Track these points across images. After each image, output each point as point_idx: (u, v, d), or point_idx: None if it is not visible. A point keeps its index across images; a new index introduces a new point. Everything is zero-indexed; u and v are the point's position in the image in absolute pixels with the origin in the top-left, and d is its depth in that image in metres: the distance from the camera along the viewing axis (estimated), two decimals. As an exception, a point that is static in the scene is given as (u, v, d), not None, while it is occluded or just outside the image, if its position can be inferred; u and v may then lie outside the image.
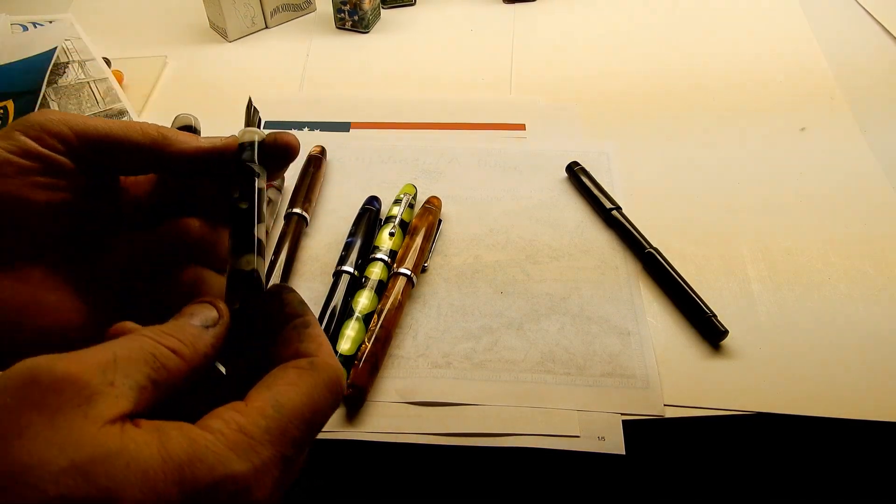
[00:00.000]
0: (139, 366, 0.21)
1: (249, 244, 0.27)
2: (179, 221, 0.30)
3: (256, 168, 0.29)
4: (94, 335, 0.24)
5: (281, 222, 0.49)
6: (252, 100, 0.32)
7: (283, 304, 0.26)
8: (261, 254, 0.27)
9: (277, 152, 0.30)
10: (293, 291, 0.27)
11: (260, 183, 0.29)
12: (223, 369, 0.26)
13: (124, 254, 0.29)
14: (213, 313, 0.25)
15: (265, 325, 0.26)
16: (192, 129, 0.31)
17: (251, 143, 0.29)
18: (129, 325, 0.24)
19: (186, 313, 0.25)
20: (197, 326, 0.24)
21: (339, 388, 0.24)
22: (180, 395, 0.23)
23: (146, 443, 0.19)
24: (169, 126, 0.30)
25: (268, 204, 0.28)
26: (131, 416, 0.20)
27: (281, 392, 0.22)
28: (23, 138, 0.26)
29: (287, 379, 0.23)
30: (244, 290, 0.27)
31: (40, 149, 0.26)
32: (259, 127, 0.30)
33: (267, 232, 0.29)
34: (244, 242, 0.27)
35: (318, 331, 0.26)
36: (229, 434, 0.20)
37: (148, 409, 0.21)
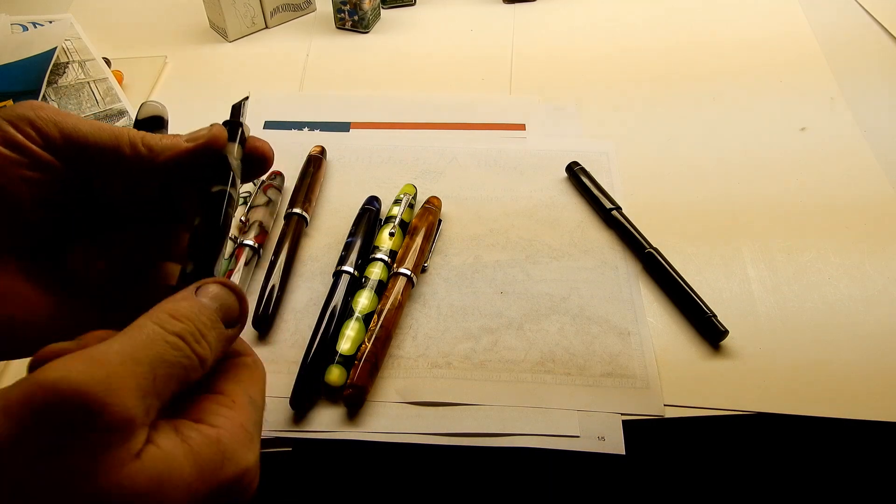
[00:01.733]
0: (171, 386, 0.22)
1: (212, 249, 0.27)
2: (156, 222, 0.30)
3: (233, 160, 0.29)
4: (62, 329, 0.25)
5: (281, 222, 0.49)
6: (244, 104, 0.32)
7: None
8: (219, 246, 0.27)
9: (252, 158, 0.30)
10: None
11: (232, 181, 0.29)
12: None
13: (99, 252, 0.29)
14: (236, 307, 0.25)
15: None
16: (160, 119, 0.31)
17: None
18: (103, 333, 0.23)
19: (213, 297, 0.24)
20: (223, 329, 0.24)
21: (265, 378, 0.27)
22: None
23: (183, 456, 0.21)
24: (134, 114, 0.30)
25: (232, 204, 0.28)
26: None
27: (248, 388, 0.25)
28: (11, 130, 0.26)
29: (247, 375, 0.25)
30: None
31: (28, 143, 0.26)
32: (242, 128, 0.30)
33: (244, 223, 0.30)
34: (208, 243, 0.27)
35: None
36: (237, 431, 0.23)
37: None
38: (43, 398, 0.19)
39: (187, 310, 0.23)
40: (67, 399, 0.19)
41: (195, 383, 0.23)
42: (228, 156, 0.29)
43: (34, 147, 0.26)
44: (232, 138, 0.30)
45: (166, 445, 0.21)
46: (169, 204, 0.30)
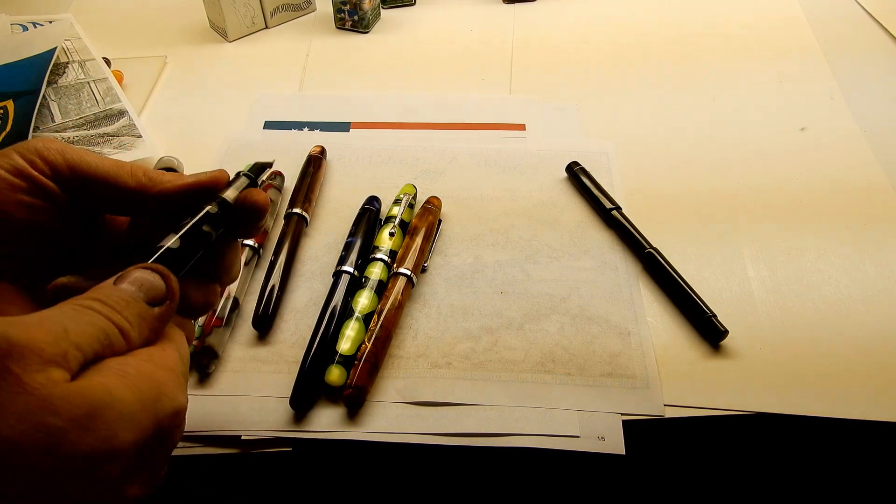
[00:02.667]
0: (91, 342, 0.23)
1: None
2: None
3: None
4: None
5: (281, 222, 0.49)
6: (267, 168, 0.34)
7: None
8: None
9: (245, 211, 0.31)
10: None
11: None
12: None
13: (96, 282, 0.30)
14: (161, 288, 0.26)
15: None
16: (173, 170, 0.33)
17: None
18: (67, 280, 0.26)
19: (132, 281, 0.25)
20: (145, 307, 0.25)
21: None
22: None
23: (115, 384, 0.22)
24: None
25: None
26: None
27: (178, 343, 0.27)
28: (17, 158, 0.27)
29: (177, 338, 0.27)
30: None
31: (30, 170, 0.27)
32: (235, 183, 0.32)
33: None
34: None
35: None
36: (168, 372, 0.25)
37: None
38: None
39: (95, 292, 0.24)
40: None
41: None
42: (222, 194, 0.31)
43: (36, 174, 0.28)
44: (231, 184, 0.32)
45: (102, 376, 0.22)
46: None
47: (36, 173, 0.27)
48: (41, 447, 0.19)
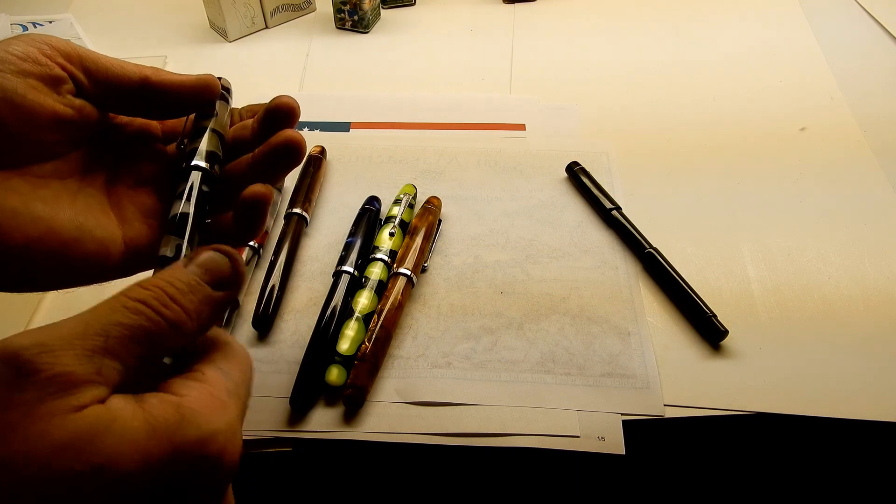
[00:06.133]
0: (131, 348, 0.21)
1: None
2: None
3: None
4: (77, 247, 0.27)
5: (281, 222, 0.49)
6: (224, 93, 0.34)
7: None
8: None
9: (275, 117, 0.32)
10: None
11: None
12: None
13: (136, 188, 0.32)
14: (227, 268, 0.25)
15: None
16: (227, 90, 0.35)
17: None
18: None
19: (201, 264, 0.24)
20: (207, 290, 0.24)
21: (251, 363, 0.26)
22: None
23: (132, 416, 0.20)
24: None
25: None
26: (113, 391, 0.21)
27: (221, 363, 0.24)
28: (23, 45, 0.27)
29: (221, 355, 0.25)
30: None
31: (40, 55, 0.28)
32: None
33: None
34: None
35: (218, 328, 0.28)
36: (205, 398, 0.22)
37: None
38: None
39: (160, 278, 0.23)
40: (1, 359, 0.20)
41: (185, 355, 0.24)
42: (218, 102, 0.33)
43: (46, 59, 0.28)
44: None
45: (116, 404, 0.20)
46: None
47: (45, 59, 0.28)
48: (34, 468, 0.19)
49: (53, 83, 0.28)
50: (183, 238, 0.29)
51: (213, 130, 0.32)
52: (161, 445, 0.20)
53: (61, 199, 0.29)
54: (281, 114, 0.32)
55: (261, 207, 0.31)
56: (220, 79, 0.34)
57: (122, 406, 0.20)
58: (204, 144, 0.31)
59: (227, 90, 0.35)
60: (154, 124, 0.34)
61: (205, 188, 0.31)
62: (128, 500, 0.20)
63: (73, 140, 0.29)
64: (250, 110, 0.35)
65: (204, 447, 0.21)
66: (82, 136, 0.30)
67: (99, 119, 0.30)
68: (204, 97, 0.32)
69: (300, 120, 0.34)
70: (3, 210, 0.26)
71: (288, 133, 0.32)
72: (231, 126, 0.35)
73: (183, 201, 0.30)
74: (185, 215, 0.29)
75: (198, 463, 0.21)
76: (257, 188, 0.31)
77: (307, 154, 0.54)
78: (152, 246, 0.31)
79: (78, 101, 0.29)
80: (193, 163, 0.31)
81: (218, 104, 0.33)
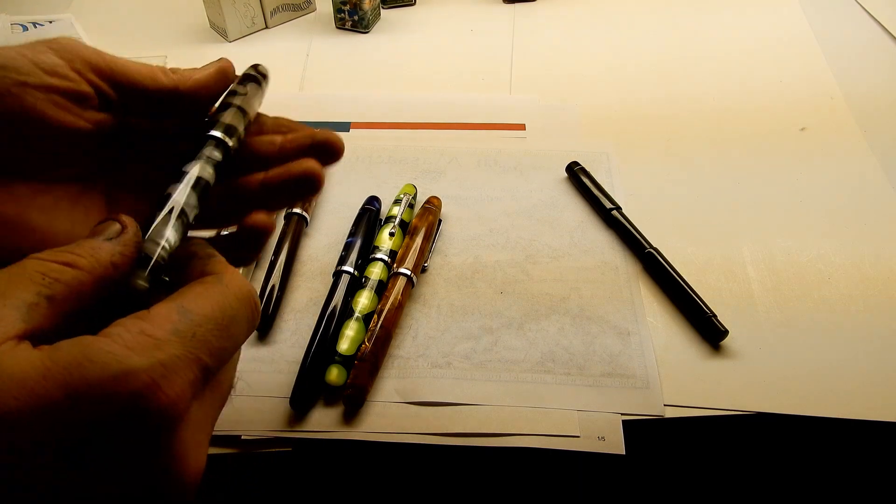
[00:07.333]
0: (25, 285, 0.21)
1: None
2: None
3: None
4: None
5: (281, 222, 0.49)
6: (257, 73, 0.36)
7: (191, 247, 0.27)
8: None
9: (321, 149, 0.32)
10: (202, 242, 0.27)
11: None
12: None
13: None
14: (116, 226, 0.24)
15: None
16: (262, 75, 0.36)
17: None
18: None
19: (89, 232, 0.24)
20: (96, 239, 0.23)
21: (252, 302, 0.24)
22: (91, 308, 0.22)
23: (28, 357, 0.19)
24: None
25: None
26: (30, 338, 0.20)
27: (187, 300, 0.22)
28: (52, 57, 0.26)
29: (194, 291, 0.23)
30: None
31: (69, 71, 0.27)
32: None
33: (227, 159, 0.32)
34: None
35: (223, 260, 0.26)
36: (128, 336, 0.20)
37: (52, 327, 0.21)
38: None
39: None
40: None
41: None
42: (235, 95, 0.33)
43: (73, 74, 0.27)
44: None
45: (18, 350, 0.19)
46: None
47: (72, 73, 0.27)
48: None
49: (79, 100, 0.27)
50: (175, 189, 0.27)
51: (238, 108, 0.32)
52: (55, 386, 0.18)
53: (60, 206, 0.28)
54: (328, 150, 0.31)
55: (260, 239, 0.30)
56: (257, 65, 0.34)
57: (23, 350, 0.19)
58: (225, 118, 0.31)
59: (264, 75, 0.35)
60: (167, 122, 0.33)
61: (217, 154, 0.29)
62: (21, 451, 0.18)
63: (85, 150, 0.29)
64: (279, 125, 0.34)
65: (114, 387, 0.19)
66: (95, 145, 0.29)
67: (116, 126, 0.30)
68: (221, 90, 0.33)
69: (301, 120, 0.34)
70: None
71: (311, 164, 0.31)
72: (261, 133, 0.33)
73: (192, 164, 0.28)
74: (184, 173, 0.28)
75: (108, 406, 0.19)
76: (261, 218, 0.29)
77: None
78: None
79: (100, 116, 0.28)
80: (210, 132, 0.30)
81: (249, 86, 0.33)
